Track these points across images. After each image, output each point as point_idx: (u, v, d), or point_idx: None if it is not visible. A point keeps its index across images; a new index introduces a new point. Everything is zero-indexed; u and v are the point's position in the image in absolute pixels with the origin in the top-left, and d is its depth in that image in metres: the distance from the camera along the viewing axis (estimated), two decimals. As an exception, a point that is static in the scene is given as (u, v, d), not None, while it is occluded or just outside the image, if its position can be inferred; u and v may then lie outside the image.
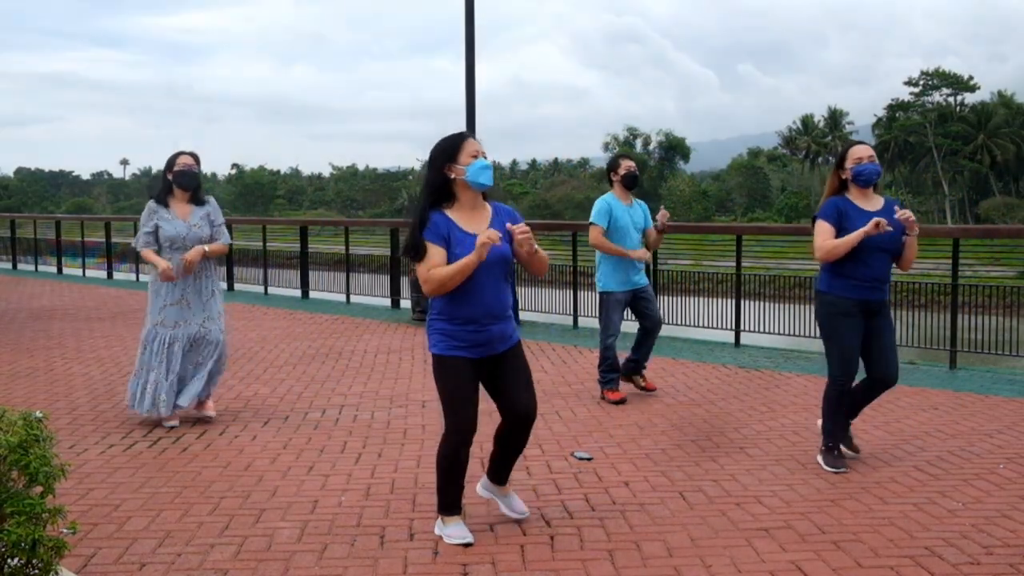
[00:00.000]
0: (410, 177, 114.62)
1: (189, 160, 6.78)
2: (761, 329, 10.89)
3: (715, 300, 11.36)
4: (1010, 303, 9.60)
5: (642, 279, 7.61)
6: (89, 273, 20.70)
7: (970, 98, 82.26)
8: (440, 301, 4.41)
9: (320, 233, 24.29)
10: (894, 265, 5.67)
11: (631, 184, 7.56)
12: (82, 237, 21.63)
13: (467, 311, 4.37)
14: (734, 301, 10.80)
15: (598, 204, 7.47)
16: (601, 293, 7.63)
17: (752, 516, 4.77)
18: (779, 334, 10.81)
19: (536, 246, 4.40)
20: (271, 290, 16.54)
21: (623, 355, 7.77)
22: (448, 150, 4.39)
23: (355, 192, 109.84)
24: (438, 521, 4.58)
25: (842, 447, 5.74)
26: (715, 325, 11.17)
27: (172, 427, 6.64)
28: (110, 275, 20.08)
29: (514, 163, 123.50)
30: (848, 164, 5.55)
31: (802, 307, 10.73)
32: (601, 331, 7.64)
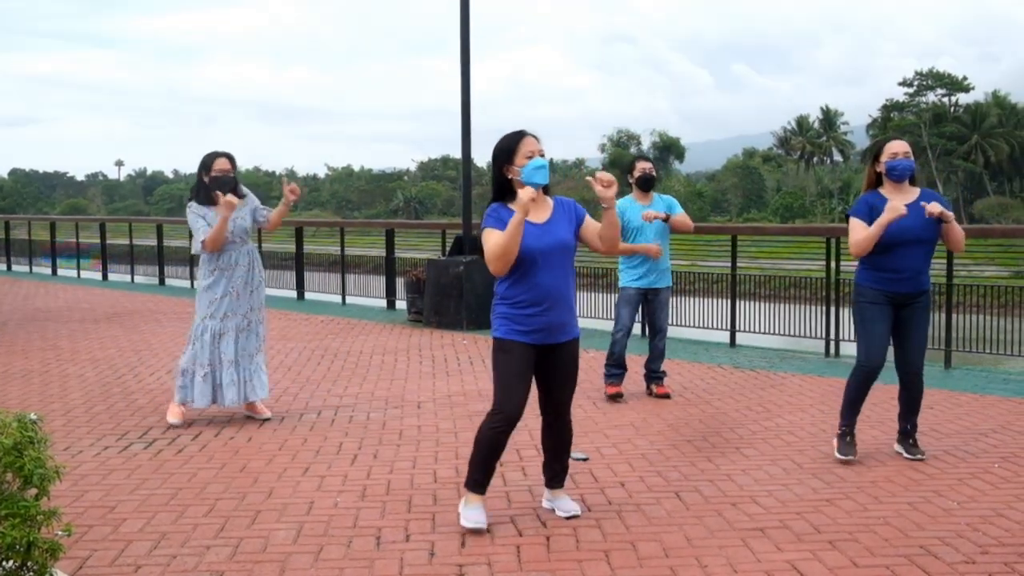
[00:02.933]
0: (405, 178, 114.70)
1: (226, 165, 6.85)
2: (757, 329, 10.91)
3: (710, 300, 11.36)
4: (1005, 303, 9.61)
5: (658, 281, 7.64)
6: (84, 274, 20.67)
7: (964, 98, 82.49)
8: (503, 285, 4.59)
9: (315, 234, 24.25)
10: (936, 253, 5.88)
11: (645, 186, 7.62)
12: (77, 238, 21.59)
13: (527, 294, 4.53)
14: (729, 301, 10.80)
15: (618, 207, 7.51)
16: (619, 287, 7.76)
17: (748, 516, 4.78)
18: (775, 334, 10.83)
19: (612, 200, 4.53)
20: (266, 291, 16.47)
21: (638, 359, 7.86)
22: (506, 151, 4.59)
23: (350, 193, 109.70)
24: (463, 500, 4.70)
25: (900, 447, 5.87)
26: (711, 325, 11.17)
27: (174, 425, 6.70)
28: (105, 276, 20.05)
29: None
30: (883, 158, 5.71)
31: (798, 307, 10.74)
32: (613, 324, 7.79)
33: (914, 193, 5.72)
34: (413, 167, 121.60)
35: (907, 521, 4.68)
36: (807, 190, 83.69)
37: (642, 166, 7.62)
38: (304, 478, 5.49)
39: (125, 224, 21.44)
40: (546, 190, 4.67)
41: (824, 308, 10.14)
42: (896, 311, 5.70)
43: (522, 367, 4.58)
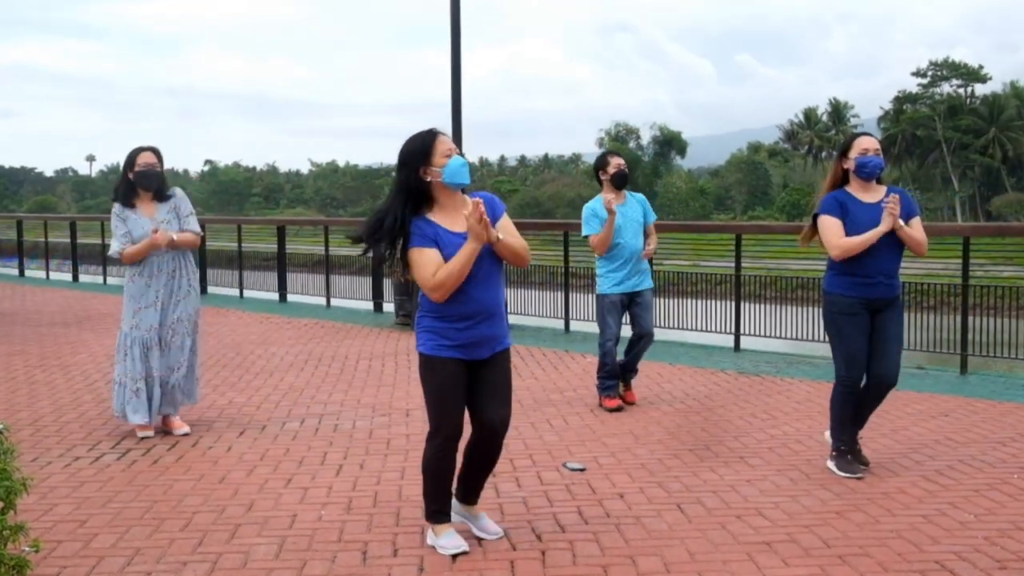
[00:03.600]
0: (393, 174, 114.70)
1: (151, 158, 6.76)
2: (762, 333, 10.91)
3: (714, 302, 11.38)
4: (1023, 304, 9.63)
5: (642, 283, 7.58)
6: (53, 275, 20.64)
7: (980, 89, 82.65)
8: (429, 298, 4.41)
9: (298, 233, 24.23)
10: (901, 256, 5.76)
11: (620, 183, 7.57)
12: (45, 238, 21.56)
13: (458, 307, 4.38)
14: (734, 303, 10.81)
15: (584, 212, 7.50)
16: (598, 295, 7.67)
17: (753, 529, 4.78)
18: (781, 338, 10.83)
19: (496, 233, 4.35)
20: (247, 293, 16.51)
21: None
22: (420, 152, 4.36)
23: (335, 190, 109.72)
24: (428, 532, 4.61)
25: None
26: (714, 328, 11.18)
27: (145, 438, 6.64)
28: (75, 278, 20.01)
29: (502, 159, 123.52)
30: (852, 154, 5.64)
31: (805, 309, 10.74)
32: (599, 335, 7.67)
33: (880, 192, 5.68)
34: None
35: (921, 535, 4.68)
36: (815, 186, 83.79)
37: (617, 162, 7.60)
38: (286, 490, 5.48)
39: (97, 223, 21.39)
40: (464, 191, 4.50)
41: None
42: (871, 317, 5.66)
43: (453, 382, 4.45)
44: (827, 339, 5.86)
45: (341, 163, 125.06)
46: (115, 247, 6.74)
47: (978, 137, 77.24)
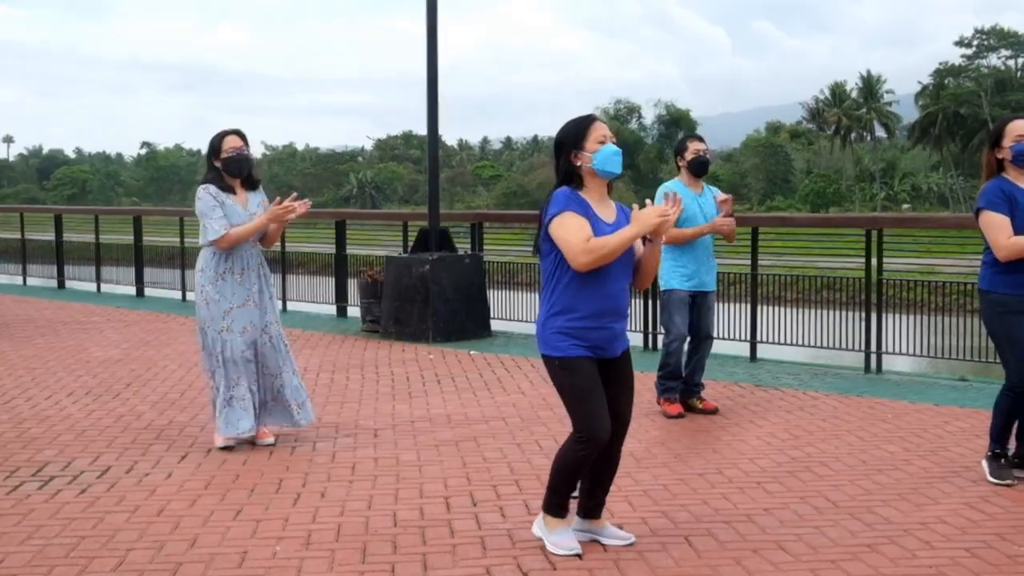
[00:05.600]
0: (359, 158, 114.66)
1: (237, 142, 6.97)
2: (782, 340, 10.93)
3: (727, 305, 11.38)
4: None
5: (709, 283, 7.94)
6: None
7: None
8: (564, 295, 4.79)
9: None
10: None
11: (700, 171, 7.85)
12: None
13: (593, 304, 4.77)
14: (749, 306, 10.83)
15: (661, 192, 7.60)
16: (663, 291, 7.92)
17: (772, 565, 4.79)
18: (804, 346, 10.84)
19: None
20: (189, 296, 16.44)
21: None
22: (573, 136, 4.84)
23: (292, 177, 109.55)
24: (538, 521, 5.03)
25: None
26: (727, 335, 11.19)
27: (269, 444, 7.03)
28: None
29: (485, 141, 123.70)
30: (1007, 142, 5.90)
31: (831, 313, 10.76)
32: (664, 334, 8.00)
33: None
34: (369, 146, 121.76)
35: (964, 570, 4.70)
36: (843, 172, 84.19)
37: (697, 147, 7.88)
38: (235, 522, 5.48)
39: (16, 215, 21.30)
40: (609, 187, 4.94)
41: (864, 314, 10.18)
42: None
43: (596, 382, 4.82)
44: (993, 343, 6.10)
45: (299, 146, 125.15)
46: (216, 229, 6.81)
47: (1029, 115, 77.52)
